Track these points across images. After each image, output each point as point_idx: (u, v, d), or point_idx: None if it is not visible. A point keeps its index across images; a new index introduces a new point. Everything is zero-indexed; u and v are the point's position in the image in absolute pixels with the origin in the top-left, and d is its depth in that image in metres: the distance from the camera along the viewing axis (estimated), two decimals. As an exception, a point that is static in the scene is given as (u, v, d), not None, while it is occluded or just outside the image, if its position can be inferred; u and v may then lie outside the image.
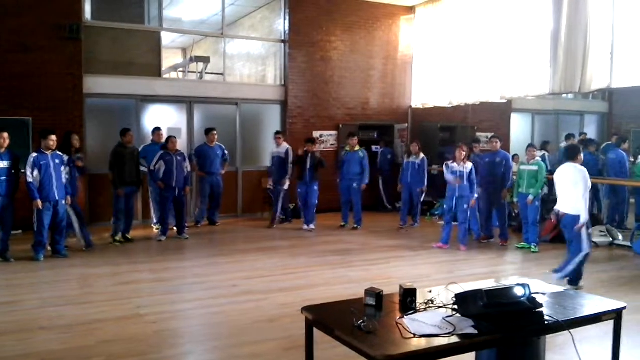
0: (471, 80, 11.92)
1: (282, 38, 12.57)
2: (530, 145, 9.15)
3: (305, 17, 12.48)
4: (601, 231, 9.18)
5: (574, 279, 6.48)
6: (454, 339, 2.77)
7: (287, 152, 10.70)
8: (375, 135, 13.49)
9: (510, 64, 10.87)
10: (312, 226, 10.32)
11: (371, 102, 13.35)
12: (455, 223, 9.00)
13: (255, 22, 14.01)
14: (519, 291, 2.99)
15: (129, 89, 10.93)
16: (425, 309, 3.18)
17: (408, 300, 3.24)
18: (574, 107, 16.42)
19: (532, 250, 8.69)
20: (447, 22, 12.64)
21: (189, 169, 9.69)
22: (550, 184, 10.66)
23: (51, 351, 4.58)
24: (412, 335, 2.78)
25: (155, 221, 10.19)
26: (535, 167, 8.72)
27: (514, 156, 11.08)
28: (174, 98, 11.50)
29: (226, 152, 10.88)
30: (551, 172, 10.61)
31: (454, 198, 8.72)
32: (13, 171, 7.69)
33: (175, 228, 9.67)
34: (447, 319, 2.96)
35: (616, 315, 3.36)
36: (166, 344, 4.82)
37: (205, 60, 13.06)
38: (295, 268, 7.55)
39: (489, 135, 10.78)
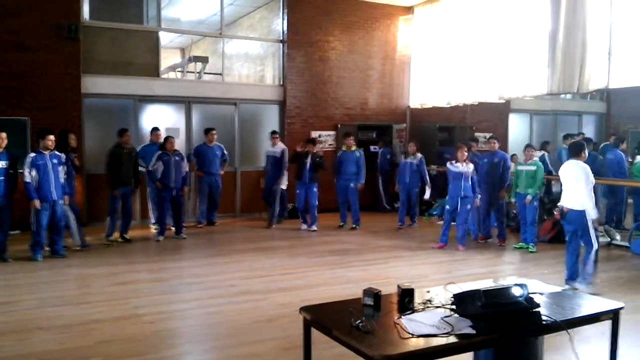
0: (469, 80, 11.93)
1: (281, 38, 12.57)
2: (528, 146, 9.15)
3: (303, 17, 12.49)
4: (599, 231, 9.19)
5: (575, 278, 6.51)
6: (452, 339, 2.77)
7: (282, 152, 10.70)
8: (374, 136, 13.50)
9: (509, 64, 10.88)
10: (314, 227, 10.31)
11: (369, 102, 13.36)
12: (453, 223, 9.00)
13: (254, 22, 14.02)
14: (516, 291, 2.99)
15: (127, 89, 10.92)
16: (423, 309, 3.19)
17: (406, 300, 3.24)
18: (572, 107, 16.45)
19: (530, 250, 8.70)
20: (446, 22, 12.64)
21: (187, 169, 9.69)
22: (548, 184, 10.71)
23: (49, 351, 4.57)
24: (410, 335, 2.79)
25: (153, 221, 10.19)
26: (533, 167, 8.72)
27: (512, 156, 11.07)
28: (172, 98, 11.49)
29: (226, 152, 10.87)
30: (550, 172, 10.67)
31: (458, 198, 8.71)
32: (11, 171, 7.68)
33: (173, 228, 9.67)
34: (445, 319, 2.96)
35: (614, 315, 3.36)
36: (164, 344, 4.82)
37: (204, 60, 13.05)
38: (294, 268, 7.55)
39: (487, 135, 10.79)
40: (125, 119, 10.80)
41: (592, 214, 6.28)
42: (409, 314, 3.10)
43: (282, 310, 5.61)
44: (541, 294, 3.48)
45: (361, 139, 13.10)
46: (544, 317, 3.02)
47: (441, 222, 11.19)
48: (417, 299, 3.29)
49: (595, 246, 6.38)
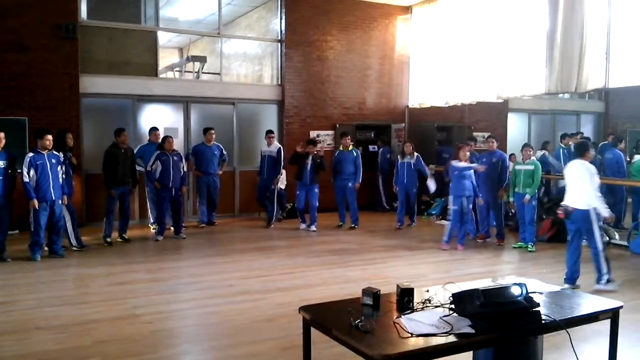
0: (468, 80, 11.94)
1: (279, 37, 12.57)
2: (526, 145, 9.16)
3: (301, 17, 12.48)
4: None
5: (575, 278, 6.53)
6: (451, 339, 2.77)
7: (279, 151, 10.69)
8: (372, 135, 13.49)
9: (507, 63, 10.89)
10: (313, 227, 10.29)
11: (368, 101, 13.35)
12: (448, 222, 8.99)
13: (252, 21, 14.01)
14: (515, 290, 2.99)
15: (126, 88, 10.91)
16: (422, 309, 3.18)
17: (405, 299, 3.24)
18: (570, 106, 16.44)
19: (529, 249, 8.70)
20: (444, 21, 12.65)
21: (185, 169, 9.68)
22: (547, 183, 10.72)
23: (47, 351, 4.57)
24: (410, 335, 2.78)
25: (152, 221, 10.18)
26: (531, 167, 8.73)
27: (510, 156, 11.10)
28: (170, 98, 11.48)
29: (225, 152, 10.85)
30: (549, 172, 10.69)
31: (463, 197, 8.68)
32: (9, 171, 7.68)
33: (172, 228, 9.66)
34: (444, 318, 2.96)
35: (613, 315, 3.36)
36: (162, 344, 4.81)
37: (202, 59, 13.04)
38: (293, 268, 7.54)
39: (486, 135, 10.79)
40: (123, 118, 10.79)
41: (603, 212, 6.28)
42: (408, 313, 3.10)
43: (281, 310, 5.60)
44: (540, 293, 3.47)
45: (359, 139, 13.10)
46: (543, 317, 3.01)
47: (442, 222, 11.22)
48: (416, 299, 3.29)
49: (600, 246, 6.39)
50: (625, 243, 8.87)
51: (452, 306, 3.07)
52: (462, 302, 3.00)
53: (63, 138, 8.42)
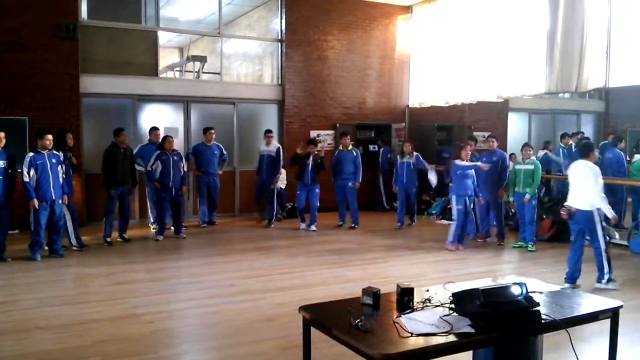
0: (468, 79, 11.93)
1: (279, 37, 12.56)
2: (526, 145, 9.16)
3: (301, 16, 12.48)
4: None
5: (576, 278, 6.54)
6: (451, 338, 2.77)
7: (278, 151, 10.69)
8: (372, 135, 13.49)
9: (507, 63, 10.89)
10: (313, 227, 10.29)
11: (368, 101, 13.35)
12: (450, 222, 8.99)
13: (252, 21, 14.01)
14: (515, 290, 2.99)
15: (126, 88, 10.91)
16: (422, 308, 3.18)
17: (405, 299, 3.24)
18: (571, 106, 16.44)
19: (529, 249, 8.70)
20: (444, 21, 12.65)
21: (185, 169, 9.68)
22: (547, 182, 10.72)
23: (47, 351, 4.57)
24: (410, 334, 2.78)
25: (152, 220, 10.18)
26: (531, 166, 8.73)
27: (511, 155, 11.10)
28: (170, 97, 11.48)
29: (225, 152, 10.84)
30: (549, 172, 10.69)
31: (466, 197, 8.67)
32: (10, 171, 7.68)
33: (172, 227, 9.66)
34: (444, 317, 2.96)
35: (613, 314, 3.36)
36: (162, 343, 4.81)
37: (202, 59, 13.04)
38: (293, 267, 7.54)
39: (486, 134, 10.78)
40: (123, 118, 10.79)
41: (608, 213, 6.29)
42: (408, 313, 3.10)
43: (281, 310, 5.60)
44: (540, 292, 3.48)
45: (360, 139, 13.11)
46: (543, 316, 3.02)
47: (443, 222, 11.23)
48: (416, 298, 3.29)
49: (603, 245, 6.40)
50: (626, 242, 8.87)
51: (452, 306, 3.07)
52: (462, 301, 3.00)
53: (63, 138, 8.42)
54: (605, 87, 9.23)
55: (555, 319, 3.03)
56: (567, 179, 6.85)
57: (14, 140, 8.70)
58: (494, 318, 2.88)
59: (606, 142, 11.81)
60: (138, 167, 9.72)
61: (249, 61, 14.24)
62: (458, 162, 8.69)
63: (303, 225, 10.42)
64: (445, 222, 11.17)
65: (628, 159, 10.85)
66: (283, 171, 11.32)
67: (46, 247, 8.01)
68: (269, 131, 11.04)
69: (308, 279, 6.94)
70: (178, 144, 10.59)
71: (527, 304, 2.99)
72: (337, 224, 10.75)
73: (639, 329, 5.14)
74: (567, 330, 3.03)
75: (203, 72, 13.27)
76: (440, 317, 2.96)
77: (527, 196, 8.64)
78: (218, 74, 12.77)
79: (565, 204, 6.63)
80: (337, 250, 8.64)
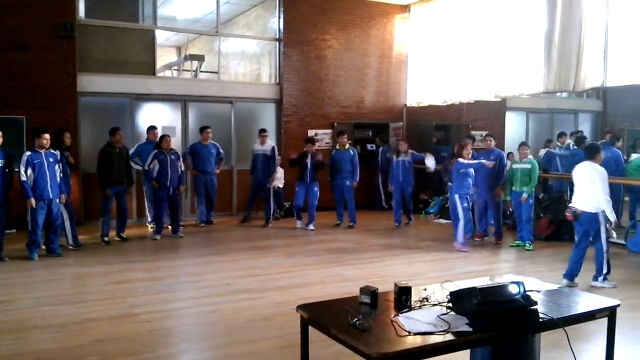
0: (466, 78, 11.94)
1: (277, 36, 12.56)
2: (523, 144, 9.16)
3: (299, 15, 12.47)
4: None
5: (574, 276, 6.56)
6: (449, 337, 2.77)
7: (272, 150, 10.66)
8: (370, 134, 13.48)
9: (505, 62, 10.89)
10: (311, 226, 10.29)
11: (366, 100, 13.35)
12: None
13: (250, 20, 14.00)
14: (513, 289, 2.99)
15: (124, 87, 10.90)
16: (420, 307, 3.19)
17: (403, 298, 3.24)
18: (568, 105, 16.49)
19: (527, 248, 8.71)
20: (442, 20, 12.65)
21: (183, 168, 9.67)
22: (545, 181, 10.72)
23: (45, 350, 4.56)
24: (407, 333, 2.78)
25: (150, 220, 10.16)
26: (528, 165, 8.74)
27: (508, 154, 11.11)
28: (168, 96, 11.46)
29: (221, 150, 10.82)
30: (546, 171, 10.69)
31: (468, 196, 8.65)
32: (7, 170, 7.67)
33: (170, 227, 9.65)
34: (442, 316, 2.96)
35: (610, 313, 3.37)
36: (160, 343, 4.81)
37: (200, 58, 13.03)
38: (290, 267, 7.54)
39: (484, 133, 10.79)
40: (121, 117, 10.78)
41: (611, 217, 6.28)
42: (405, 311, 3.10)
43: (278, 309, 5.60)
44: (538, 291, 3.48)
45: (358, 138, 13.10)
46: (540, 315, 3.02)
47: (441, 221, 11.24)
48: (414, 297, 3.29)
49: (605, 247, 6.42)
50: (623, 242, 8.88)
51: (450, 304, 3.07)
52: (459, 300, 3.00)
53: (61, 137, 8.40)
54: (602, 87, 9.25)
55: (552, 317, 3.03)
56: (564, 178, 6.86)
57: (11, 139, 8.67)
58: (492, 317, 2.89)
59: (604, 141, 11.81)
60: (136, 166, 9.71)
61: (247, 60, 14.23)
62: (461, 160, 8.66)
63: (299, 224, 10.41)
64: (443, 221, 11.19)
65: (625, 158, 10.86)
66: (281, 170, 11.31)
67: (43, 247, 8.00)
68: (263, 130, 10.96)
69: (306, 278, 6.93)
70: (176, 143, 10.57)
71: (525, 303, 2.99)
72: (335, 223, 10.75)
73: (636, 327, 5.15)
74: (564, 329, 3.04)
75: (201, 71, 13.24)
76: (438, 316, 2.97)
77: (525, 195, 8.65)
78: (216, 73, 12.77)
79: (570, 205, 6.62)
80: (335, 250, 8.64)
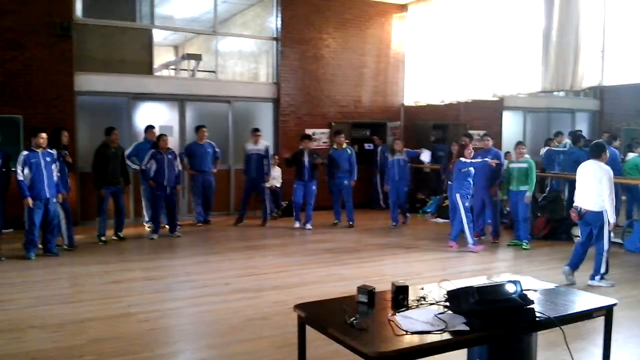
0: (463, 78, 11.95)
1: (274, 35, 12.55)
2: (520, 143, 9.17)
3: (297, 15, 12.46)
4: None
5: (577, 267, 6.60)
6: (446, 336, 2.77)
7: (267, 150, 10.62)
8: (368, 133, 13.48)
9: (502, 61, 10.90)
10: (308, 226, 10.28)
11: (363, 99, 13.35)
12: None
13: (247, 19, 13.98)
14: (510, 288, 3.00)
15: (121, 86, 10.88)
16: (417, 306, 3.19)
17: (400, 297, 3.24)
18: (565, 104, 16.52)
19: (524, 247, 8.71)
20: (440, 20, 12.66)
21: (180, 168, 9.66)
22: (542, 180, 10.73)
23: (42, 350, 4.56)
24: (404, 332, 2.78)
25: (147, 219, 10.15)
26: (525, 165, 8.74)
27: (506, 154, 11.10)
28: (165, 96, 11.45)
29: (217, 149, 10.77)
30: (544, 170, 10.70)
31: (469, 196, 8.64)
32: (4, 169, 7.66)
33: (167, 226, 9.64)
34: (439, 315, 2.96)
35: (607, 312, 3.37)
36: (158, 342, 4.80)
37: (197, 57, 13.01)
38: (288, 266, 7.54)
39: (481, 133, 10.80)
40: (118, 116, 10.77)
41: (611, 218, 6.30)
42: (403, 311, 3.10)
43: (276, 308, 5.60)
44: (534, 290, 3.48)
45: (355, 137, 13.10)
46: (537, 314, 3.02)
47: (438, 220, 11.24)
48: (411, 296, 3.29)
49: (606, 247, 6.43)
50: (620, 241, 8.90)
51: (447, 304, 3.07)
52: (456, 299, 3.01)
53: (58, 136, 8.39)
54: (600, 86, 9.27)
55: (549, 316, 3.03)
56: (562, 177, 6.86)
57: (8, 139, 8.66)
58: (489, 316, 2.89)
59: (601, 140, 11.84)
60: (133, 166, 9.70)
61: (244, 59, 14.21)
62: (463, 159, 8.64)
63: (297, 224, 10.40)
64: (440, 220, 11.19)
65: (622, 157, 10.87)
66: (278, 169, 11.29)
67: (40, 246, 7.98)
68: (256, 130, 10.82)
69: (303, 278, 6.94)
70: (173, 142, 10.56)
71: (522, 302, 3.00)
72: (332, 222, 10.74)
73: (633, 326, 5.16)
74: (561, 328, 3.04)
75: (198, 71, 13.23)
76: (435, 315, 2.97)
77: (528, 194, 8.63)
78: (213, 72, 12.75)
79: (575, 204, 6.61)
80: (333, 249, 8.64)
